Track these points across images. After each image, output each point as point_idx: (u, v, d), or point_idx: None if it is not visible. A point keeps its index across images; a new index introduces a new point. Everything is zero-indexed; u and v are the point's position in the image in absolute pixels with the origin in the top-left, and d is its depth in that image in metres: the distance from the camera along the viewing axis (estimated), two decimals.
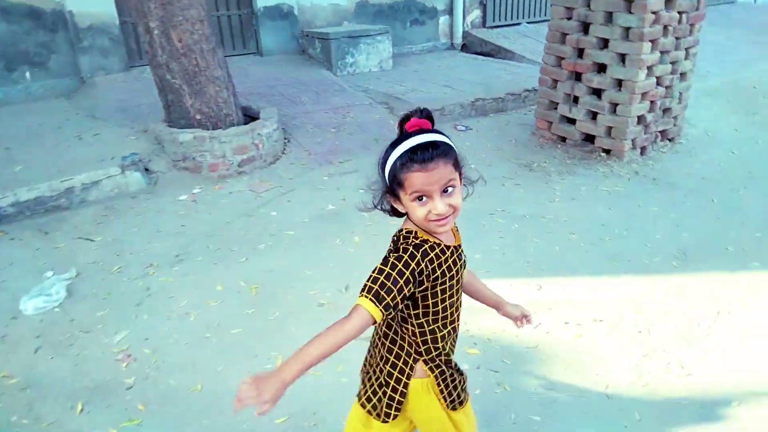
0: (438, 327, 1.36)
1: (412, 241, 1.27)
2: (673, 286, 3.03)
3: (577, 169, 4.53)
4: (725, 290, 2.99)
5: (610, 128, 4.61)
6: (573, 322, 2.74)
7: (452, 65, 7.08)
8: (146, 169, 3.85)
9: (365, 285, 1.21)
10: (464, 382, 1.49)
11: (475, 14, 8.16)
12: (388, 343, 1.40)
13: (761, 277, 3.11)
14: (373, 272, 1.22)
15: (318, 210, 3.75)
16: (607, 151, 4.70)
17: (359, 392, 1.49)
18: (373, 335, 1.46)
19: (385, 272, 1.20)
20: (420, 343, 1.37)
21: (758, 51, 8.39)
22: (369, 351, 1.50)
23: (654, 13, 4.20)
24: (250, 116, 4.55)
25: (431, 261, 1.26)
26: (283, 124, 4.88)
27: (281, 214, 3.67)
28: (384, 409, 1.42)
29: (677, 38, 4.49)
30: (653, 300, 2.92)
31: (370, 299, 1.18)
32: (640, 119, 4.58)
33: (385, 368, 1.41)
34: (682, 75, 4.74)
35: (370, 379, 1.45)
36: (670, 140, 4.98)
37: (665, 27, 4.34)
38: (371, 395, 1.44)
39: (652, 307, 2.86)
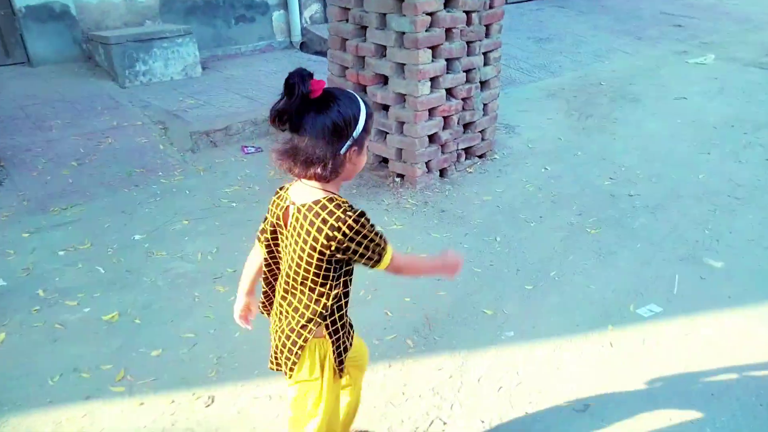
0: (347, 291, 1.46)
1: (353, 207, 1.33)
2: (396, 378, 2.37)
3: (359, 201, 3.82)
4: (455, 383, 2.35)
5: (400, 150, 3.94)
6: None
7: (277, 69, 6.25)
8: None
9: (382, 244, 1.37)
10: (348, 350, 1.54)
11: (314, 8, 7.35)
12: (300, 306, 1.42)
13: (504, 353, 2.49)
14: (373, 236, 1.33)
15: None
16: (402, 176, 4.03)
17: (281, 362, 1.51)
18: (282, 301, 1.47)
19: (376, 232, 1.35)
20: (329, 306, 1.41)
21: (617, 40, 8.03)
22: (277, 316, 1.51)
23: (429, 14, 3.52)
24: None
25: None
26: (5, 159, 3.93)
27: None
28: (290, 365, 1.47)
29: (469, 42, 3.84)
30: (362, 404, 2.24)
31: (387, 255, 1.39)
32: (433, 138, 3.93)
33: (291, 325, 1.44)
34: (484, 84, 4.12)
35: (280, 338, 1.48)
36: (480, 157, 4.37)
37: (448, 30, 3.67)
38: (278, 354, 1.50)
39: (357, 417, 2.17)
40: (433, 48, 3.63)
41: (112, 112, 4.76)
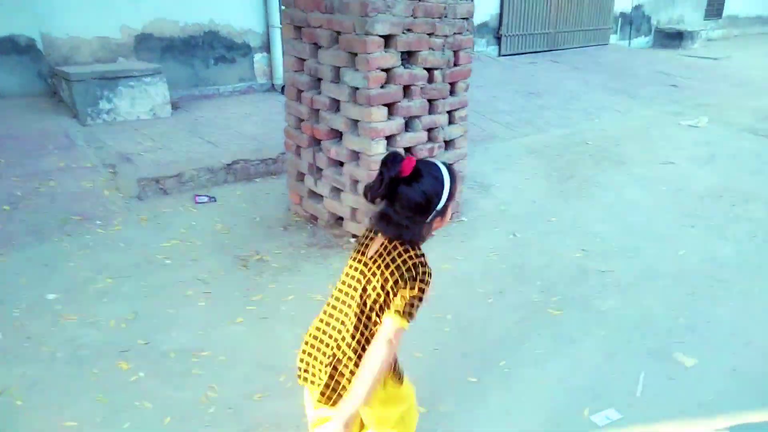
0: None
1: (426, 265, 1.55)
2: None
3: (305, 264, 3.52)
4: None
5: (355, 209, 3.65)
6: None
7: (252, 112, 6.06)
8: None
9: (406, 310, 1.50)
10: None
11: None
12: (357, 333, 1.57)
13: None
14: (413, 299, 1.51)
15: None
16: (357, 237, 3.73)
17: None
18: (347, 337, 1.58)
19: (423, 298, 1.53)
20: None
21: (610, 98, 7.85)
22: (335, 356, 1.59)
23: (385, 70, 3.29)
24: None
25: None
26: None
27: None
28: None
29: (431, 100, 3.60)
30: None
31: (407, 320, 1.51)
32: None
33: (349, 355, 1.57)
34: (449, 143, 3.86)
35: (341, 374, 1.59)
36: None
37: (407, 87, 3.43)
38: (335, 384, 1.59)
39: None
40: (390, 105, 3.39)
41: (62, 152, 4.52)
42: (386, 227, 1.51)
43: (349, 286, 1.60)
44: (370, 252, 1.58)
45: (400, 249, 1.53)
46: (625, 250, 3.79)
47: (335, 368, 1.58)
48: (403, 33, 3.26)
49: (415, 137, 3.58)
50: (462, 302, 3.18)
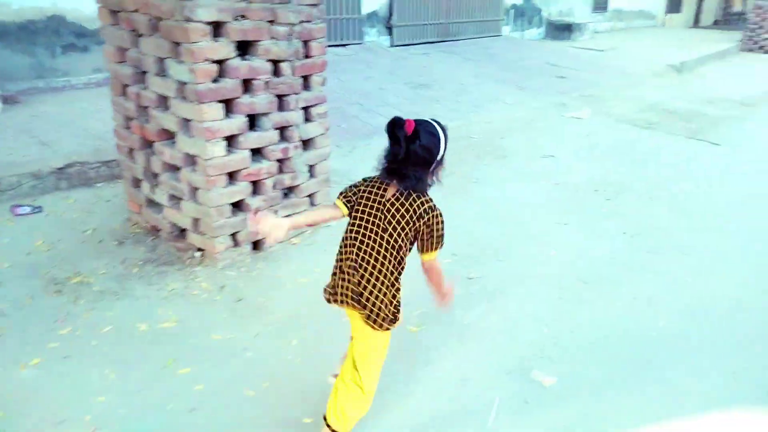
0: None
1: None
2: None
3: (135, 286, 3.03)
4: None
5: (197, 219, 3.20)
6: None
7: (105, 107, 5.36)
8: None
9: (440, 245, 1.87)
10: None
11: None
12: (396, 274, 1.88)
13: None
14: (439, 237, 1.85)
15: None
16: (203, 250, 3.29)
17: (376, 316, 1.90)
18: (379, 269, 1.86)
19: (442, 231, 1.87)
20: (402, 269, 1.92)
21: (499, 90, 7.78)
22: (370, 283, 1.88)
23: (217, 62, 2.85)
24: None
25: None
26: None
27: None
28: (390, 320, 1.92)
29: (281, 96, 3.20)
30: None
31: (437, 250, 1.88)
32: (240, 206, 3.23)
33: (395, 292, 1.90)
34: (307, 143, 3.48)
35: (382, 302, 1.89)
36: (310, 225, 3.69)
37: (248, 81, 3.01)
38: (386, 313, 1.90)
39: None
40: (228, 102, 2.95)
41: None
42: (401, 181, 1.76)
43: (373, 224, 1.83)
44: (388, 196, 1.81)
45: (414, 195, 1.79)
46: (496, 253, 3.59)
47: (378, 288, 1.86)
48: (236, 20, 2.84)
49: (264, 137, 3.17)
50: (312, 325, 2.82)
